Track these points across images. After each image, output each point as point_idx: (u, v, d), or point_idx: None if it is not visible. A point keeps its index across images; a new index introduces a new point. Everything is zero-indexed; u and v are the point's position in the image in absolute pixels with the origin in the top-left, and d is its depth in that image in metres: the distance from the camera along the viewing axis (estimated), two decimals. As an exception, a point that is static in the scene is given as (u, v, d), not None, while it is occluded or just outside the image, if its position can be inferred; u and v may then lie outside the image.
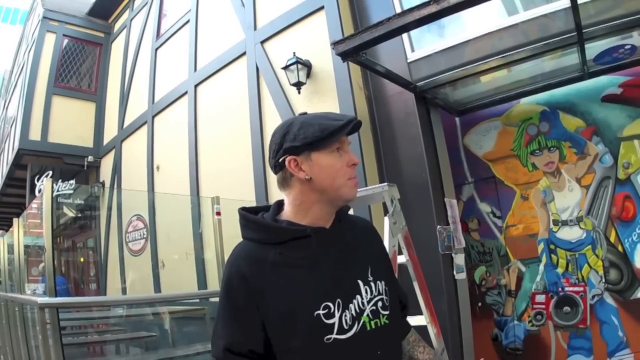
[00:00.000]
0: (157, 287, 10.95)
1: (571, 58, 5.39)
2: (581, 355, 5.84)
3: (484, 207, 6.70)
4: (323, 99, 7.40)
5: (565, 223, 6.00)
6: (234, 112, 9.20)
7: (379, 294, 1.91)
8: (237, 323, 1.78)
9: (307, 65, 7.53)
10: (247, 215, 1.95)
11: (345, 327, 1.77)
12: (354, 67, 6.75)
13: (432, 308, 4.30)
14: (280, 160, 1.87)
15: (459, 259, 6.14)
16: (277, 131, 1.93)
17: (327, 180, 1.85)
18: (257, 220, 1.93)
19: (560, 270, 6.01)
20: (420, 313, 4.22)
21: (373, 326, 1.84)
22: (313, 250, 1.84)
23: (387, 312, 1.90)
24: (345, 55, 5.01)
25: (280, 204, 2.00)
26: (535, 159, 6.21)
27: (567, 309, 5.89)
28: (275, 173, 1.94)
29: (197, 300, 8.53)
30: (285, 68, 7.54)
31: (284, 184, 1.93)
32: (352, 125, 1.85)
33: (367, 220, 2.29)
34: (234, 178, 8.89)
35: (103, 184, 14.50)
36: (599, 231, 5.78)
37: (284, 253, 1.82)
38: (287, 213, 1.94)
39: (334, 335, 1.74)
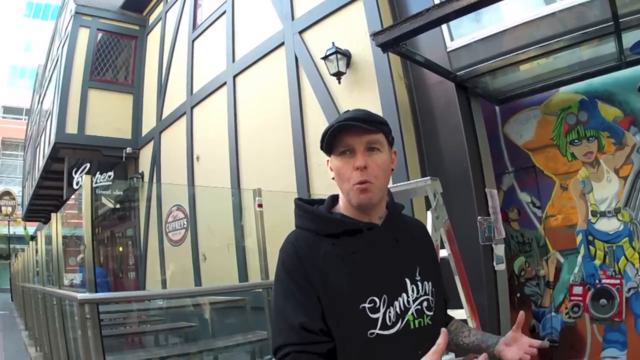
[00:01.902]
0: (198, 278, 11.17)
1: (608, 47, 5.41)
2: (615, 349, 5.86)
3: (524, 197, 6.73)
4: (364, 89, 7.54)
5: (603, 214, 6.01)
6: (274, 102, 9.39)
7: (425, 294, 1.96)
8: (306, 301, 1.83)
9: (347, 55, 7.67)
10: (303, 206, 2.05)
11: (389, 323, 1.83)
12: (393, 56, 6.71)
13: (472, 302, 4.44)
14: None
15: (499, 250, 6.19)
16: None
17: (339, 183, 1.96)
18: (313, 210, 2.02)
19: (597, 262, 6.02)
20: (461, 307, 4.36)
21: (417, 325, 1.89)
22: (364, 245, 1.91)
23: (431, 313, 1.96)
24: (385, 47, 5.17)
25: (334, 198, 2.09)
26: (575, 149, 6.24)
27: (603, 301, 5.91)
28: None
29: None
30: (325, 58, 7.70)
31: None
32: (334, 128, 1.89)
33: (421, 222, 2.37)
34: (276, 169, 9.10)
35: (142, 175, 14.88)
36: (636, 223, 5.78)
37: (336, 244, 1.90)
38: (340, 207, 2.04)
39: (377, 330, 1.80)
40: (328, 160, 2.00)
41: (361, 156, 1.88)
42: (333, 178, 1.97)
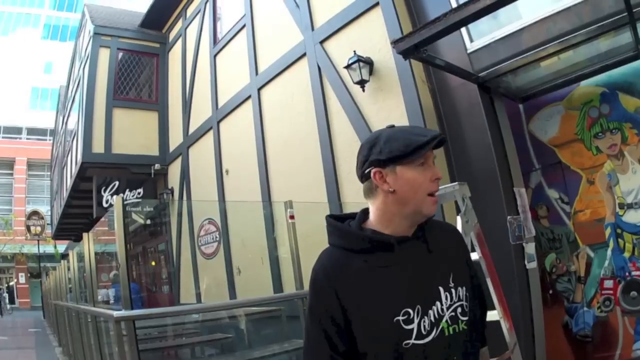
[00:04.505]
0: (232, 290, 11.27)
1: (625, 37, 5.43)
2: (646, 342, 5.89)
3: (552, 194, 6.73)
4: (388, 95, 7.61)
5: (630, 206, 5.98)
6: (300, 113, 9.50)
7: (459, 300, 2.02)
8: (329, 325, 1.94)
9: (369, 63, 7.75)
10: (334, 223, 2.12)
11: (424, 332, 1.91)
12: (415, 60, 6.59)
13: (504, 303, 4.43)
14: (367, 171, 2.04)
15: (530, 248, 6.23)
16: (364, 143, 2.09)
17: (410, 193, 1.99)
18: (343, 228, 2.09)
19: (627, 254, 5.97)
20: (493, 308, 4.41)
21: (451, 332, 1.96)
22: (396, 258, 1.97)
23: (466, 318, 2.02)
24: (406, 54, 5.27)
25: (366, 212, 2.14)
26: (599, 142, 6.22)
27: (634, 293, 5.89)
28: (362, 182, 2.11)
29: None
30: (347, 67, 7.78)
31: (369, 193, 2.08)
32: (436, 141, 1.99)
33: (452, 225, 2.45)
34: (305, 179, 9.20)
35: (172, 190, 15.03)
36: (663, 214, 5.78)
37: (368, 260, 1.97)
38: (371, 222, 2.09)
39: (412, 341, 1.89)
40: (376, 172, 2.02)
41: (436, 169, 2.04)
42: (392, 191, 2.01)
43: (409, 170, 2.00)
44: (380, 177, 2.02)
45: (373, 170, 2.03)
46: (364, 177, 2.09)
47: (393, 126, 2.11)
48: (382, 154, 2.00)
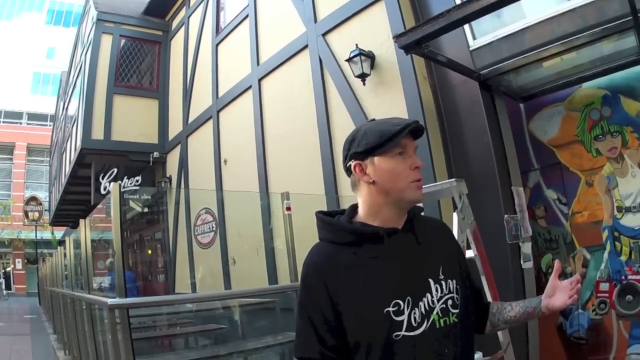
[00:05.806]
0: (227, 281, 11.29)
1: (628, 41, 5.43)
2: (640, 346, 5.88)
3: (550, 194, 6.71)
4: (389, 90, 7.60)
5: (628, 210, 5.96)
6: (300, 105, 9.50)
7: (450, 292, 2.03)
8: (319, 319, 1.96)
9: (371, 57, 7.73)
10: (323, 218, 2.16)
11: (414, 324, 1.92)
12: (417, 56, 6.62)
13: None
14: (348, 165, 2.11)
15: (526, 248, 6.21)
16: (347, 138, 2.15)
17: (390, 183, 2.02)
18: (333, 222, 2.14)
19: (623, 258, 5.96)
20: None
21: (442, 324, 1.97)
22: (385, 250, 1.99)
23: (456, 311, 2.02)
24: (408, 48, 5.27)
25: (355, 208, 2.17)
26: (599, 144, 6.19)
27: (629, 297, 5.81)
28: (349, 177, 2.16)
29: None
30: (349, 60, 7.77)
31: (354, 187, 2.15)
32: (409, 129, 2.02)
33: (441, 221, 2.45)
34: (303, 171, 9.21)
35: (170, 178, 15.03)
36: (661, 219, 5.76)
37: (357, 253, 1.99)
38: (360, 215, 2.12)
39: (402, 332, 1.90)
40: (356, 165, 2.08)
41: (417, 158, 2.07)
42: (372, 181, 2.05)
43: (387, 160, 2.03)
44: (360, 170, 2.08)
45: (353, 164, 2.09)
46: (347, 170, 2.15)
47: (374, 119, 2.18)
48: (360, 146, 2.06)
